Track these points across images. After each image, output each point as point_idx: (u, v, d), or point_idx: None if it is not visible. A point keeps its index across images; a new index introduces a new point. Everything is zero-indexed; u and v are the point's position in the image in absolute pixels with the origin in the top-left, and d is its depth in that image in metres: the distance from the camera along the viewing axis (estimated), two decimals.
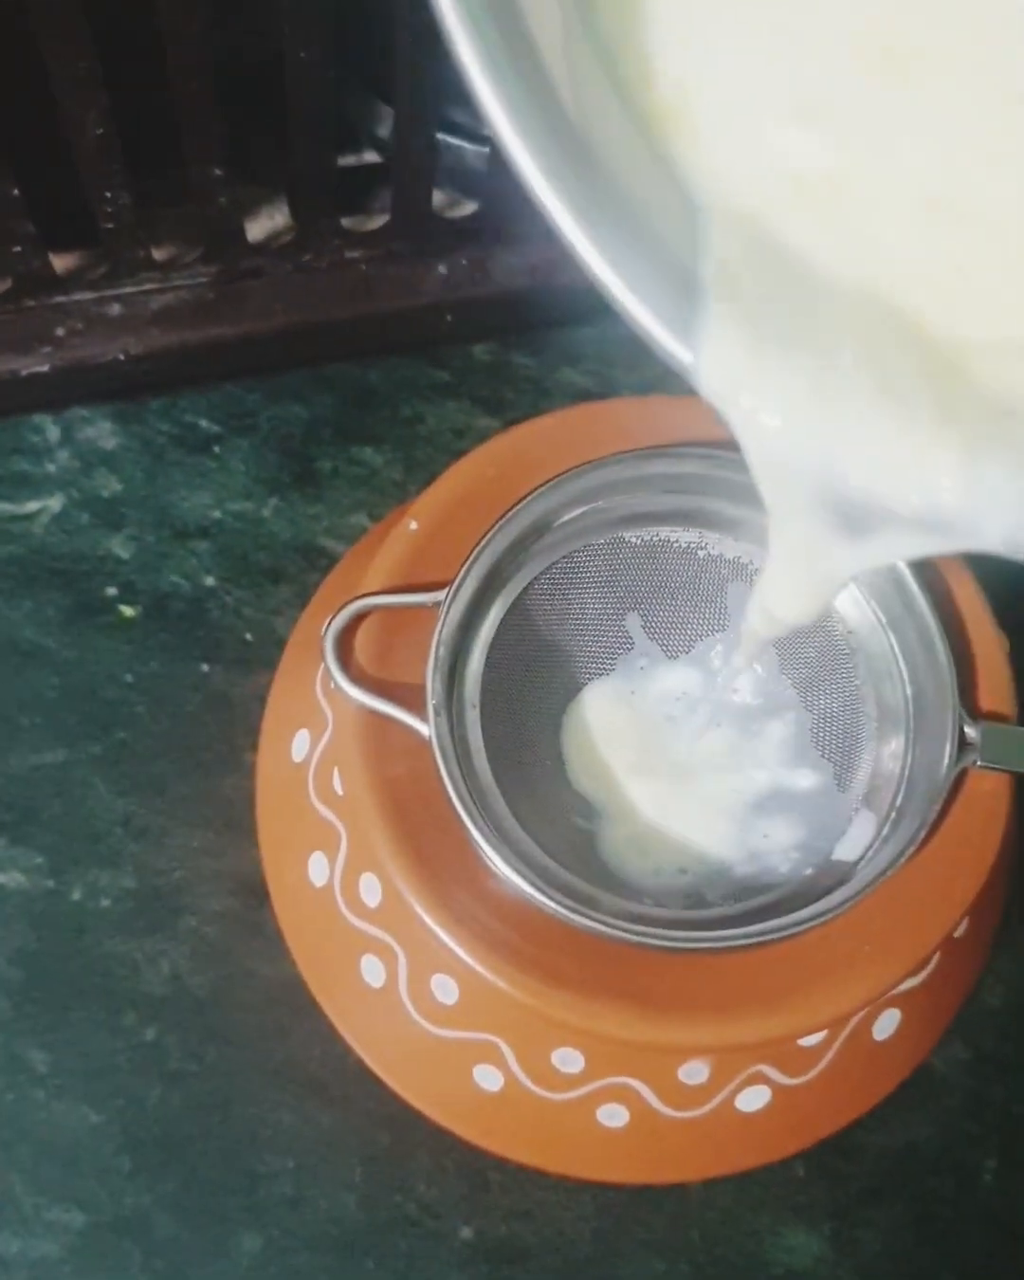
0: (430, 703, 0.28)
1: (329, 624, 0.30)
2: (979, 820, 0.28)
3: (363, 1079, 0.35)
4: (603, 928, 0.26)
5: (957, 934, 0.31)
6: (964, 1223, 0.36)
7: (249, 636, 0.41)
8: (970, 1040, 0.37)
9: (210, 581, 0.42)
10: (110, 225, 0.38)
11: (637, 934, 0.26)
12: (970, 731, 0.28)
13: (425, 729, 0.28)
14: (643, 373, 0.45)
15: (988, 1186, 0.37)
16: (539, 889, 0.27)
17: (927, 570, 0.30)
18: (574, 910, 0.27)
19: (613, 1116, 0.30)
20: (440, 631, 0.29)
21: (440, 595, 0.30)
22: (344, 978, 0.32)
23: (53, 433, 0.43)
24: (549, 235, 0.41)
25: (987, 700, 0.29)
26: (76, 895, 0.38)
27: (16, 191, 0.36)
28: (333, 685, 0.30)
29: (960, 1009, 0.35)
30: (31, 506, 0.42)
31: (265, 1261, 0.35)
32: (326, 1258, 0.36)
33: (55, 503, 0.42)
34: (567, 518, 0.31)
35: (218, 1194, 0.36)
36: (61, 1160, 0.36)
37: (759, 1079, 0.30)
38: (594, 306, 0.48)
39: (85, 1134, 0.36)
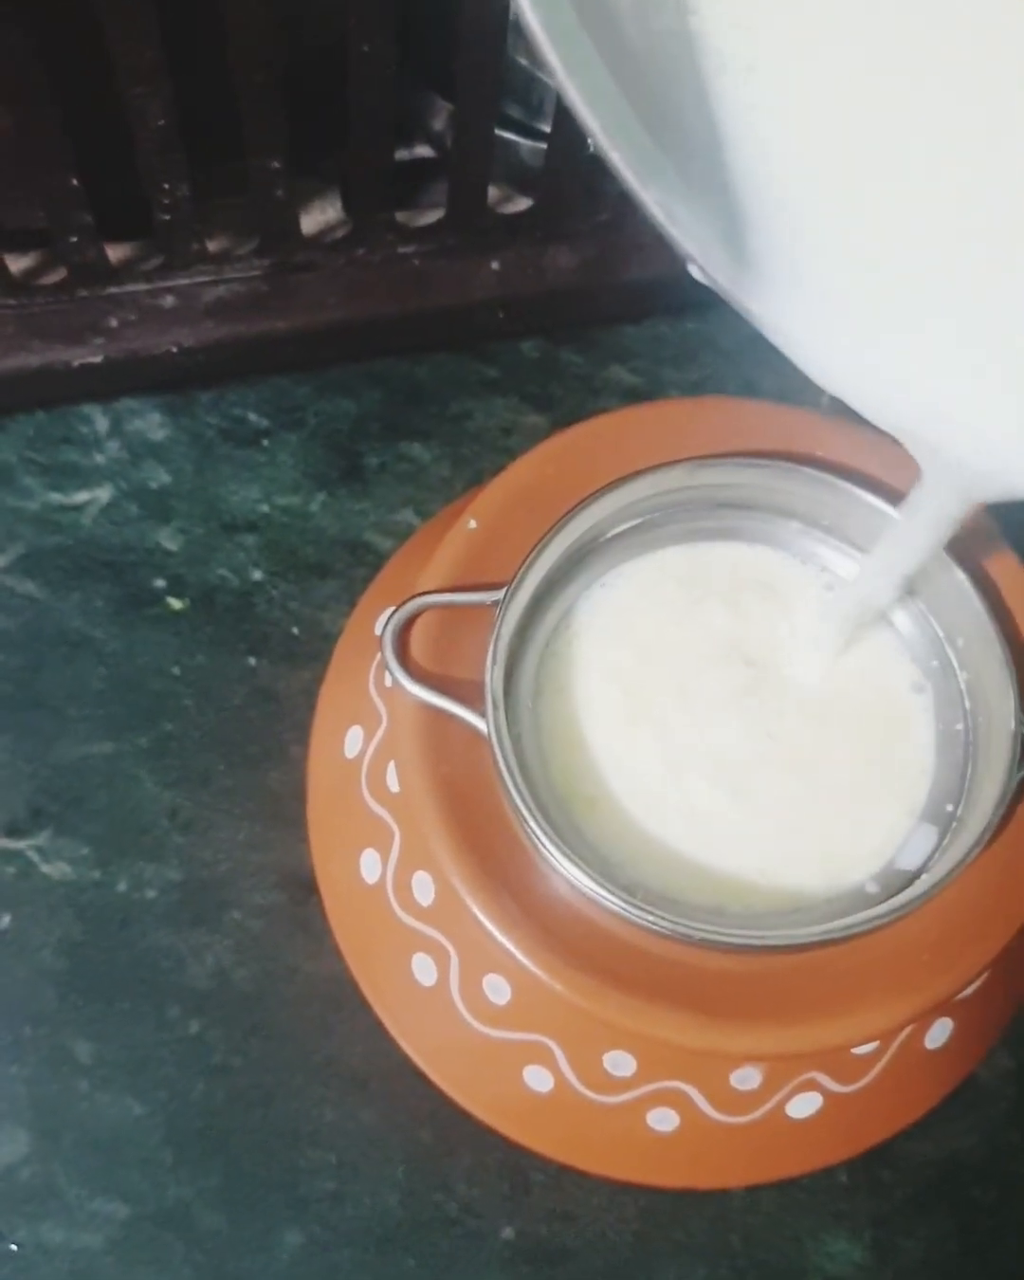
0: (489, 696, 0.28)
1: (388, 621, 0.29)
2: None
3: (406, 1076, 0.35)
4: (663, 925, 0.26)
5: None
6: (1006, 1233, 0.36)
7: (296, 631, 0.41)
8: (1016, 1051, 0.37)
9: (257, 575, 0.42)
10: (167, 217, 0.38)
11: (698, 931, 0.26)
12: None
13: (483, 725, 0.28)
14: (691, 371, 0.45)
15: None
16: (599, 885, 0.27)
17: (986, 579, 0.30)
18: (633, 907, 0.26)
19: (663, 1120, 0.30)
20: (499, 629, 0.29)
21: (499, 594, 0.29)
22: (394, 976, 0.32)
23: (102, 424, 0.43)
24: (601, 232, 0.40)
25: None
26: (122, 886, 0.38)
27: (75, 182, 0.36)
28: (390, 681, 0.29)
29: (1009, 1021, 0.35)
30: (80, 497, 0.42)
31: (306, 1257, 0.36)
32: (367, 1255, 0.36)
33: (104, 494, 0.43)
34: (622, 526, 0.31)
35: (260, 1188, 0.36)
36: (105, 1152, 0.36)
37: (811, 1086, 0.30)
38: (645, 305, 0.47)
39: (129, 1126, 0.36)
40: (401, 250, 0.41)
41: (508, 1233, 0.36)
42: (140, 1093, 0.37)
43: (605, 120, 0.19)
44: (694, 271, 0.22)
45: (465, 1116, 0.33)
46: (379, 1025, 0.34)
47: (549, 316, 0.43)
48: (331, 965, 0.36)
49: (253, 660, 0.41)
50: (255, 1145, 0.36)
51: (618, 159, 0.20)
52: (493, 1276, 0.35)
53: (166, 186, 0.37)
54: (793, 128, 0.21)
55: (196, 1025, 0.37)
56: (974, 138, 0.21)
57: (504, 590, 0.29)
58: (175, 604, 0.41)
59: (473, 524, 0.31)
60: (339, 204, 0.42)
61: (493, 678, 0.29)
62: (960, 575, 0.29)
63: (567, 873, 0.27)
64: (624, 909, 0.27)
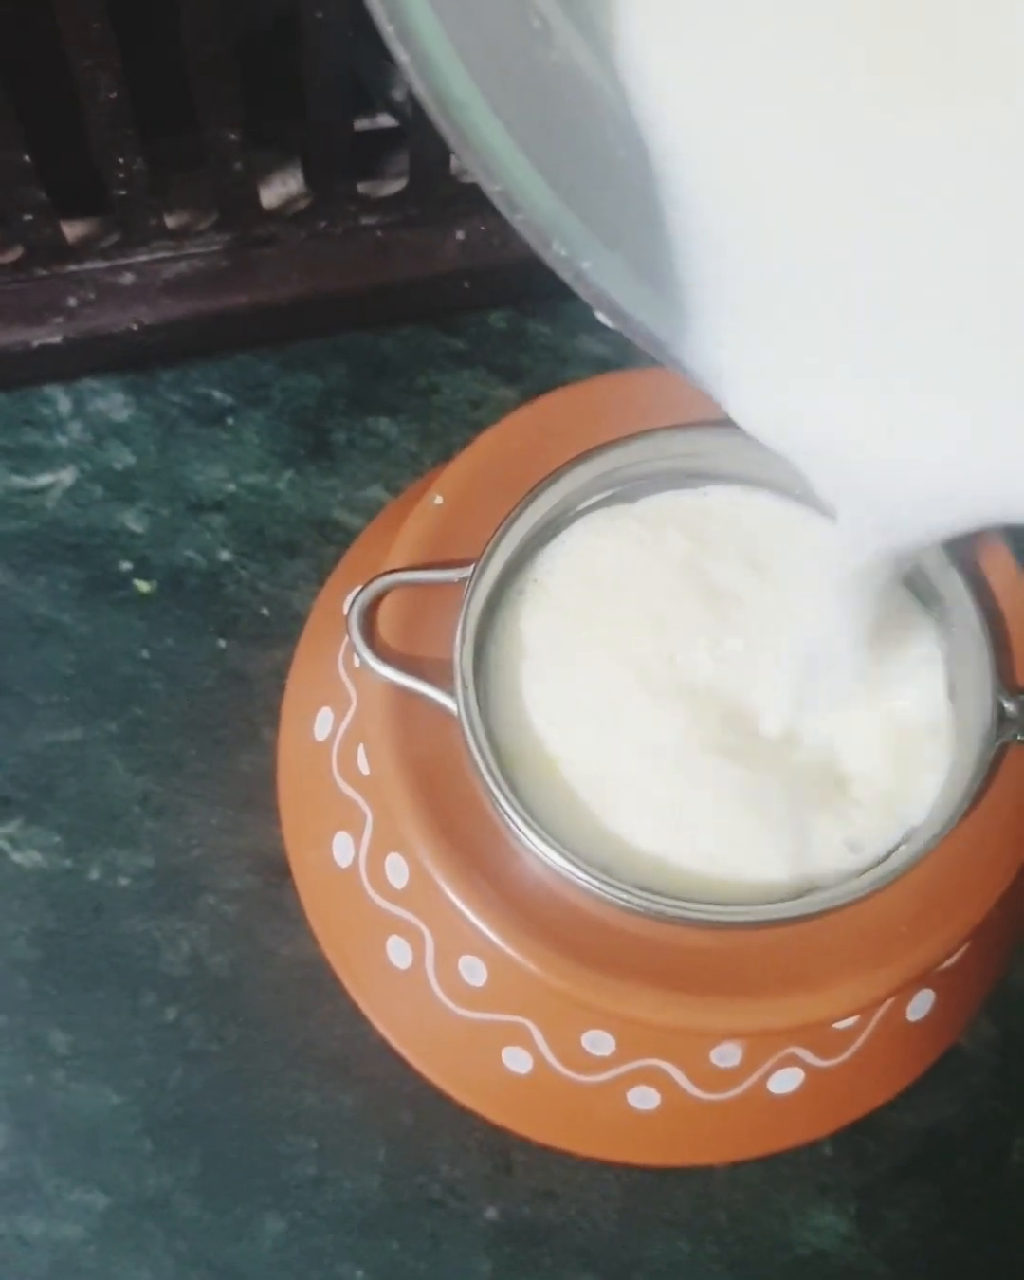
0: (458, 676, 0.28)
1: (353, 600, 0.29)
2: (1017, 797, 0.28)
3: (385, 1059, 0.34)
4: (638, 902, 0.26)
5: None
6: (992, 1202, 0.36)
7: (265, 611, 0.41)
8: (999, 1020, 0.37)
9: (225, 556, 0.41)
10: (122, 192, 0.37)
11: (673, 907, 0.26)
12: (1010, 706, 0.28)
13: (453, 704, 0.28)
14: None
15: (1016, 1165, 0.36)
16: (572, 862, 0.26)
17: (960, 546, 0.30)
18: (608, 886, 0.26)
19: (643, 1099, 0.30)
20: (468, 606, 0.28)
21: (467, 571, 0.29)
22: (370, 959, 0.32)
23: (64, 405, 0.42)
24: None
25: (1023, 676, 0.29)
26: (94, 874, 0.38)
27: (27, 158, 0.35)
28: (357, 662, 0.29)
29: (991, 989, 0.35)
30: (43, 480, 0.42)
31: (288, 1242, 0.35)
32: (350, 1239, 0.35)
33: (67, 476, 0.42)
34: (593, 499, 0.30)
35: (240, 1175, 0.36)
36: (83, 1142, 0.36)
37: (792, 1061, 0.29)
38: None
39: (106, 1115, 0.36)
40: (364, 222, 0.40)
41: (492, 1213, 0.36)
42: (117, 1081, 0.36)
43: (506, 175, 0.18)
44: (603, 318, 0.21)
45: (446, 1098, 0.33)
46: (357, 1009, 0.34)
47: (516, 287, 0.42)
48: (308, 949, 0.35)
49: (222, 642, 0.40)
50: (235, 1132, 0.36)
51: (521, 219, 0.19)
52: (478, 1257, 0.35)
53: (121, 161, 0.36)
54: (716, 165, 0.20)
55: (173, 1012, 0.37)
56: (911, 161, 0.20)
57: (472, 567, 0.29)
58: (142, 586, 0.41)
59: (439, 500, 0.30)
60: (299, 176, 0.41)
61: (462, 657, 0.28)
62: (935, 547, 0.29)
63: (540, 852, 0.27)
64: (599, 888, 0.27)
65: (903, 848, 0.28)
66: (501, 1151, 0.36)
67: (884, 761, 0.28)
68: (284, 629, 0.40)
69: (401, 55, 0.17)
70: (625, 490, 0.31)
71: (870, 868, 0.27)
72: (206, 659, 0.40)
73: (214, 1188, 0.36)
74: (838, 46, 0.18)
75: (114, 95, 0.34)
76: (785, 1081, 0.30)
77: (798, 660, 0.28)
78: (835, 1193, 0.36)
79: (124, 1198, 0.35)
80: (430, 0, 0.17)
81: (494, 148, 0.18)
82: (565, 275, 0.20)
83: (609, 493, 0.31)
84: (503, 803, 0.27)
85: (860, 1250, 0.35)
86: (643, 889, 0.27)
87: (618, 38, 0.19)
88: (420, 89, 0.18)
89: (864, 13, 0.18)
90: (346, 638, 0.30)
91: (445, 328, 0.44)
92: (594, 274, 0.20)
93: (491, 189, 0.18)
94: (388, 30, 0.17)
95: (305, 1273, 0.35)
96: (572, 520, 0.30)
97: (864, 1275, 0.35)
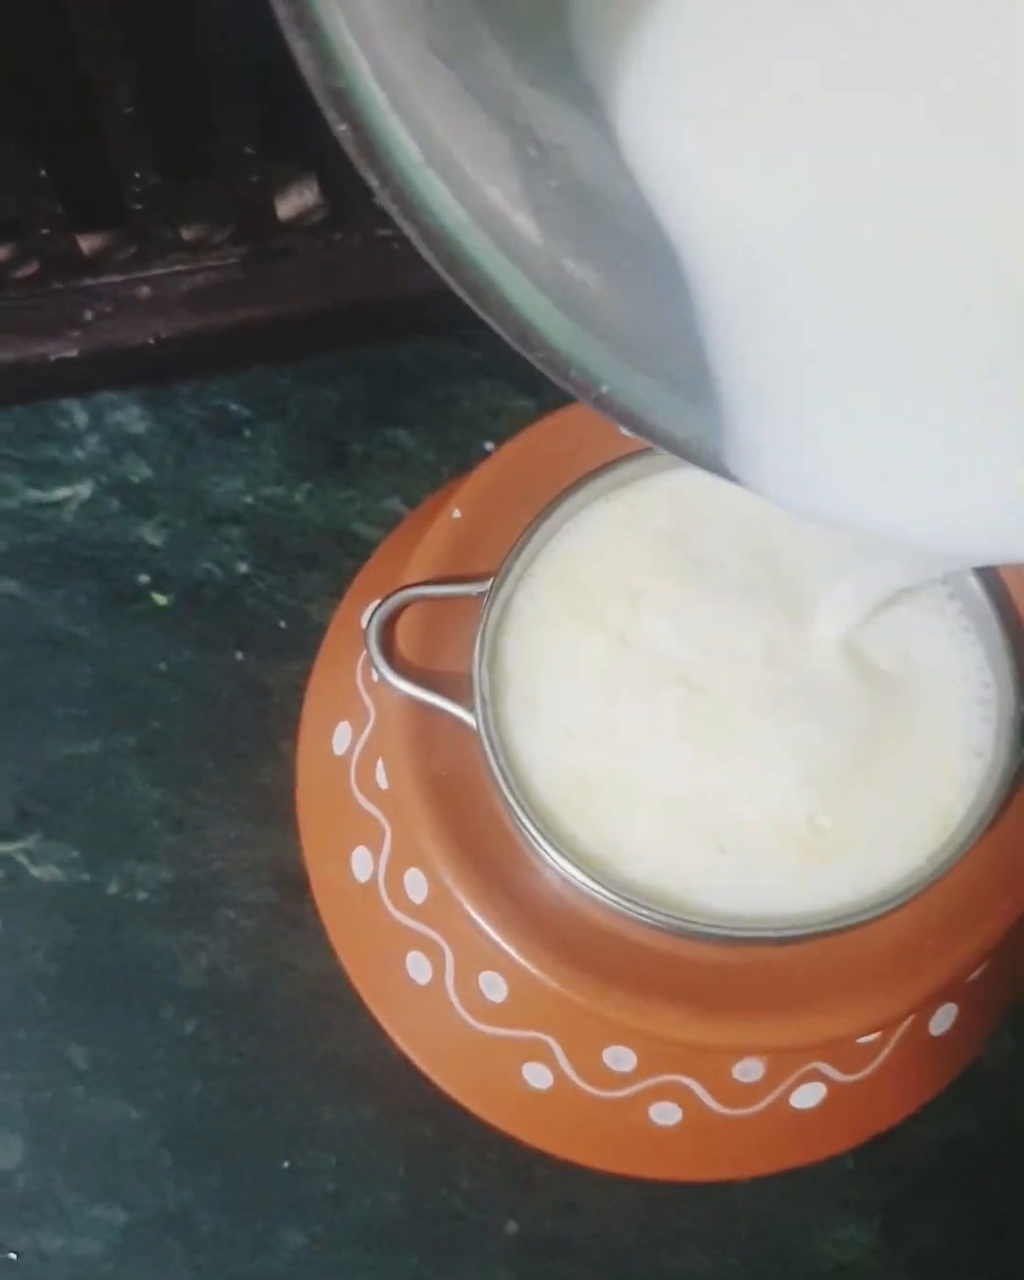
0: (477, 691, 0.27)
1: (372, 615, 0.29)
2: None
3: (404, 1073, 0.34)
4: (660, 919, 0.26)
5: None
6: (1016, 1215, 0.36)
7: (283, 624, 0.41)
8: (1020, 1033, 0.37)
9: (243, 568, 0.41)
10: (139, 205, 0.37)
11: (694, 923, 0.26)
12: None
13: (472, 719, 0.28)
14: None
15: None
16: (592, 879, 0.26)
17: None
18: (628, 902, 0.26)
19: (665, 1115, 0.30)
20: (486, 620, 0.28)
21: (486, 585, 0.29)
22: (389, 975, 0.32)
23: (81, 418, 0.42)
24: None
25: None
26: (113, 888, 0.38)
27: (43, 172, 0.35)
28: (376, 676, 0.29)
29: (1011, 1001, 0.34)
30: (61, 493, 0.42)
31: (308, 1257, 0.35)
32: (370, 1253, 0.35)
33: (85, 489, 0.42)
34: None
35: (260, 1189, 0.36)
36: (102, 1156, 0.36)
37: (815, 1076, 0.29)
38: None
39: (126, 1130, 0.36)
40: (380, 233, 0.40)
41: (512, 1226, 0.35)
42: (136, 1095, 0.36)
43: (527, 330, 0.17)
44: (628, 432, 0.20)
45: (465, 1112, 0.33)
46: (376, 1023, 0.34)
47: None
48: (327, 963, 0.35)
49: (240, 655, 0.40)
50: (254, 1146, 0.36)
51: (539, 357, 0.18)
52: (498, 1270, 0.35)
53: (137, 174, 0.36)
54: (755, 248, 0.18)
55: (191, 1026, 0.37)
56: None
57: (490, 581, 0.29)
58: (160, 599, 0.41)
59: (457, 514, 0.30)
60: (316, 188, 0.41)
61: (480, 672, 0.28)
62: None
63: (561, 868, 0.27)
64: (619, 903, 0.26)
65: (923, 868, 0.27)
66: (522, 1165, 0.35)
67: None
68: (302, 641, 0.40)
69: (411, 229, 0.17)
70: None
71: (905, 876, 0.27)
72: (224, 672, 0.40)
73: (233, 1202, 0.36)
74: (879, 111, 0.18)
75: (130, 109, 0.34)
76: (808, 1096, 0.29)
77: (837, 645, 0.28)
78: (858, 1207, 0.36)
79: (144, 1213, 0.35)
80: (427, 159, 0.17)
81: (517, 305, 0.18)
82: (585, 400, 0.19)
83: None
84: (523, 818, 0.27)
85: (885, 1263, 0.35)
86: (664, 905, 0.27)
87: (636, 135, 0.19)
88: (430, 255, 0.17)
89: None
90: (364, 652, 0.30)
91: (463, 340, 0.44)
92: (614, 395, 0.19)
93: (503, 332, 0.18)
94: (394, 210, 0.17)
95: None
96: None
97: None
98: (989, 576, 0.29)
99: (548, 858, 0.27)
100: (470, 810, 0.28)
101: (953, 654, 0.29)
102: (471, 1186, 0.36)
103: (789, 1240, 0.36)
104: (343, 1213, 0.35)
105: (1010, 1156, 0.36)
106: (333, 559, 0.41)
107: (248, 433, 0.42)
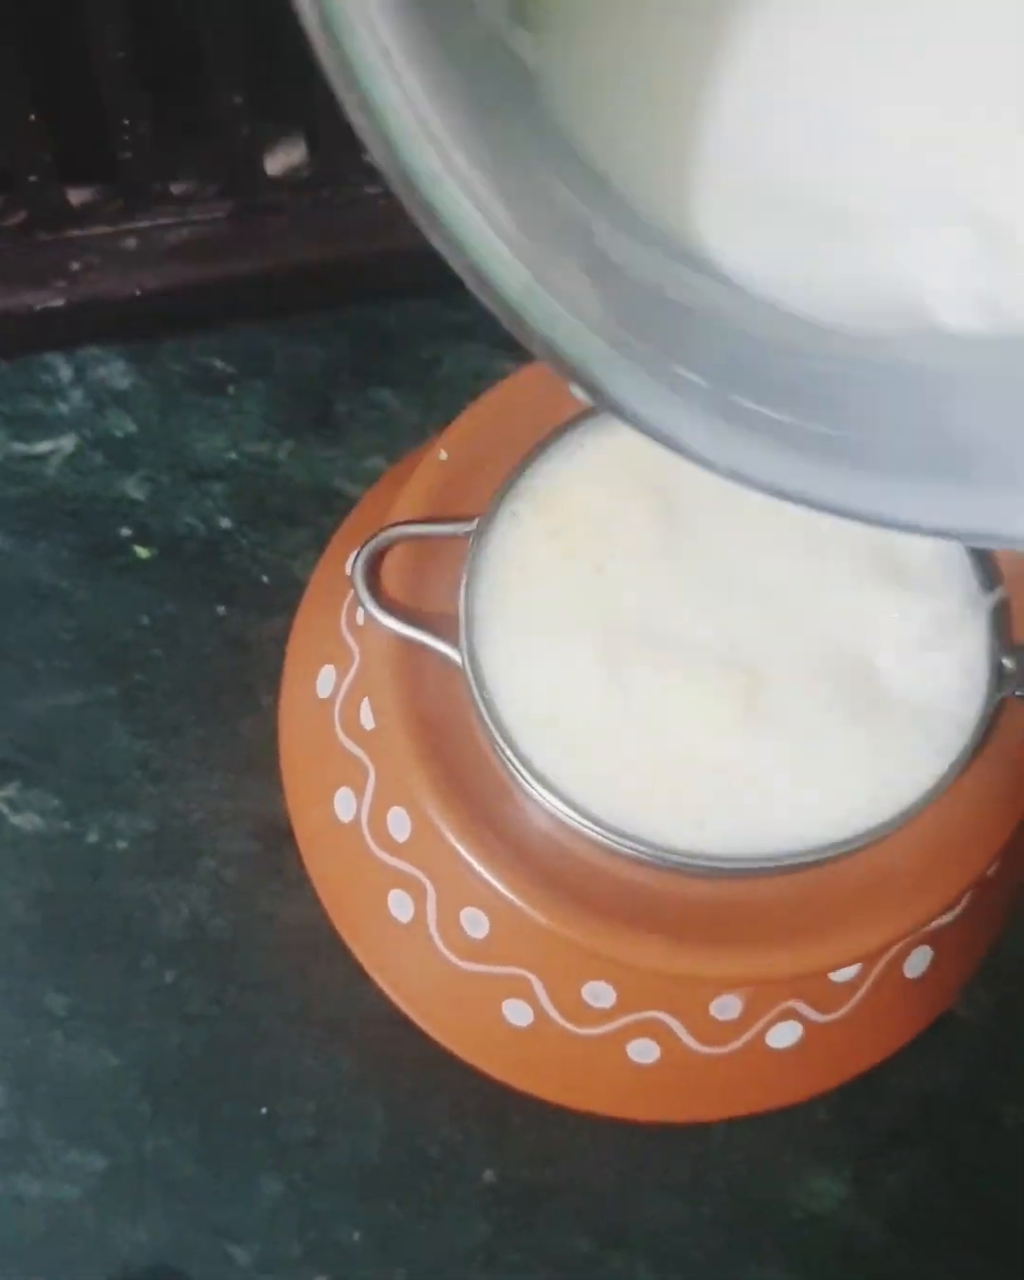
0: (463, 626, 0.28)
1: (358, 553, 0.29)
2: (1016, 751, 0.28)
3: (384, 1021, 0.34)
4: (641, 850, 0.26)
5: (990, 872, 0.31)
6: (987, 1167, 0.36)
7: (265, 579, 0.41)
8: (994, 987, 0.37)
9: (226, 524, 0.41)
10: (128, 155, 0.37)
11: (675, 856, 0.26)
12: (1007, 662, 0.28)
13: (457, 655, 0.28)
14: None
15: (1010, 1130, 0.37)
16: (574, 809, 0.26)
17: None
18: (610, 834, 0.26)
19: (643, 1052, 0.30)
20: (472, 559, 0.28)
21: (471, 525, 0.29)
22: (371, 915, 0.32)
23: (65, 372, 0.42)
24: None
25: (1022, 632, 0.29)
26: (94, 838, 0.38)
27: (34, 117, 0.35)
28: (361, 616, 0.29)
29: (986, 954, 0.35)
30: (44, 447, 0.42)
31: (287, 1204, 0.35)
32: (349, 1200, 0.35)
33: (68, 443, 0.42)
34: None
35: (239, 1136, 0.36)
36: (81, 1103, 0.36)
37: (791, 1015, 0.29)
38: None
39: (105, 1077, 0.36)
40: (368, 190, 0.40)
41: (489, 1175, 0.36)
42: (116, 1044, 0.36)
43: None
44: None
45: (445, 1060, 0.33)
46: (357, 970, 0.34)
47: None
48: (308, 912, 0.35)
49: (222, 609, 0.40)
50: (233, 1094, 0.36)
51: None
52: (475, 1220, 0.35)
53: (127, 123, 0.36)
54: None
55: (172, 975, 0.37)
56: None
57: (476, 520, 0.29)
58: (142, 553, 0.41)
59: (444, 455, 0.30)
60: (304, 145, 0.41)
61: (465, 607, 0.28)
62: None
63: (543, 800, 0.27)
64: (601, 835, 0.27)
65: (901, 804, 0.28)
66: (500, 1114, 0.36)
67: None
68: (284, 597, 0.40)
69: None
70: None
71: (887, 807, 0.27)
72: (206, 626, 0.40)
73: (213, 1150, 0.36)
74: None
75: (122, 55, 0.34)
76: (784, 1035, 0.30)
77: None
78: (832, 1157, 0.36)
79: (122, 1159, 0.35)
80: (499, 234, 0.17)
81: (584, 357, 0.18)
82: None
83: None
84: (505, 750, 0.27)
85: (856, 1213, 0.36)
86: (645, 839, 0.27)
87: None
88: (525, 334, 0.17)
89: None
90: (350, 595, 0.30)
91: (448, 300, 0.44)
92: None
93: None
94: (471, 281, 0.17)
95: (303, 1234, 0.35)
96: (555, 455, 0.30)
97: (860, 1238, 0.35)
98: None
99: (531, 790, 0.27)
100: (455, 748, 0.28)
101: (935, 600, 0.30)
102: (450, 1135, 0.36)
103: (764, 1190, 0.36)
104: (321, 1160, 0.36)
105: (983, 1110, 0.37)
106: (315, 516, 0.41)
107: (232, 389, 0.42)
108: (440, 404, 0.43)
